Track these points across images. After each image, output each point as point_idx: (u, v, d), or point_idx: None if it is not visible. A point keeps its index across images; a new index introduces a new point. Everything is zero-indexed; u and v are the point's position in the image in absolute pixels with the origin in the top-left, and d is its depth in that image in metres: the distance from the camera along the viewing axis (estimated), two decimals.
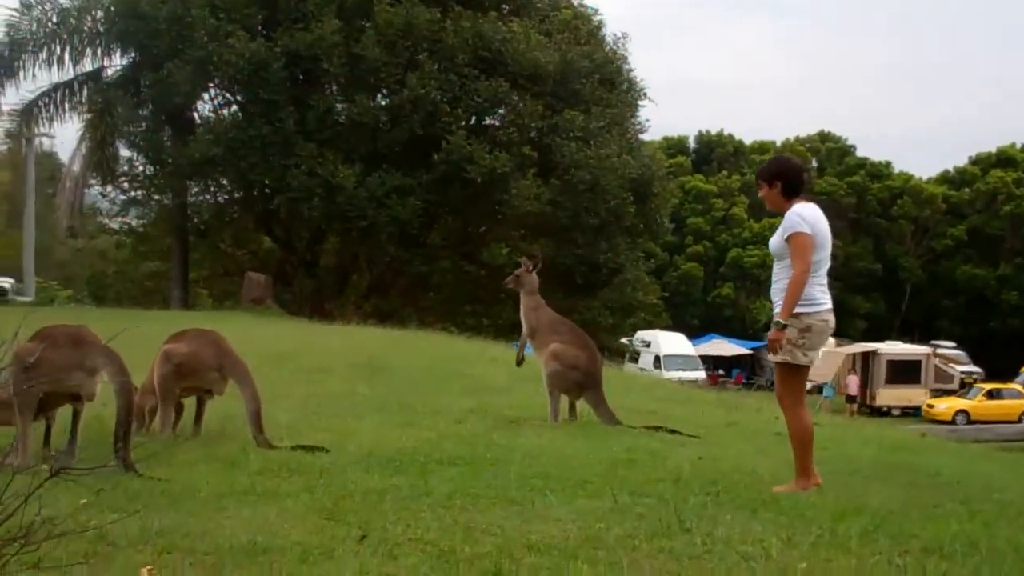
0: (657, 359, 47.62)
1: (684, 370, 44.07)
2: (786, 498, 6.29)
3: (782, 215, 6.96)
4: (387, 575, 4.54)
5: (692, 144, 75.95)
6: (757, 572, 4.76)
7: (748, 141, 75.07)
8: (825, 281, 7.01)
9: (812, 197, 7.48)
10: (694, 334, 57.11)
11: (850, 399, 41.40)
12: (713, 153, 74.44)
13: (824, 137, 75.56)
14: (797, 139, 75.10)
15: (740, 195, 69.88)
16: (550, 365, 9.41)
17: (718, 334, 60.37)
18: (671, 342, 50.37)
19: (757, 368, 56.90)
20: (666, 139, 71.71)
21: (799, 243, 6.78)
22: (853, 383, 42.13)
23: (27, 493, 2.90)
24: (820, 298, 6.88)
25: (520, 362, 10.38)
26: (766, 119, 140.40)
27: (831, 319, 6.95)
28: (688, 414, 10.02)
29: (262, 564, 4.59)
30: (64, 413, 6.99)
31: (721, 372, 55.07)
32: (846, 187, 70.29)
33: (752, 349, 57.76)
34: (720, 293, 66.38)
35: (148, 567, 4.42)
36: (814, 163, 73.22)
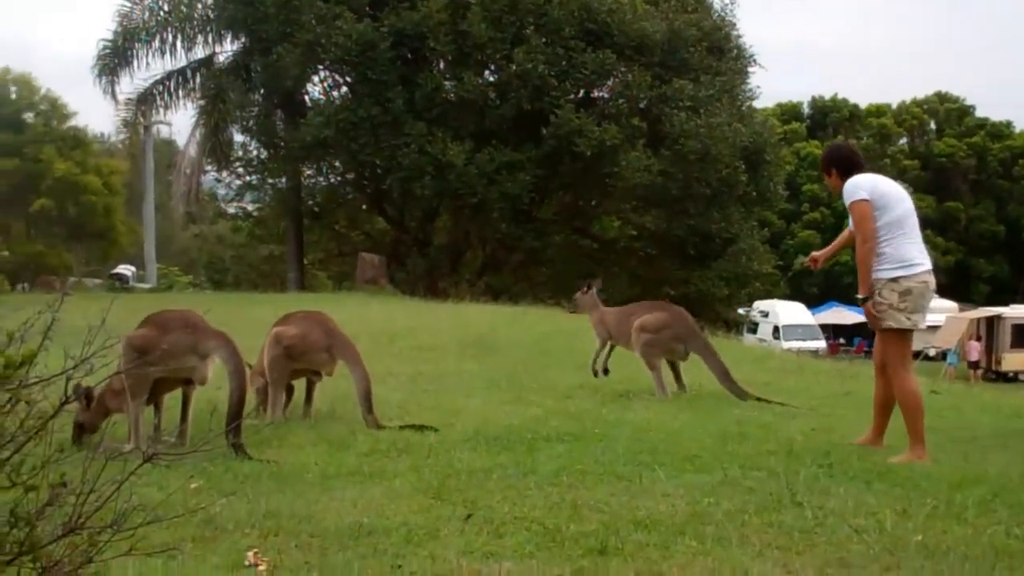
0: (776, 329, 46.98)
1: (804, 340, 43.41)
2: (901, 469, 6.12)
3: None
4: (492, 554, 4.52)
5: (806, 110, 74.52)
6: (870, 545, 4.63)
7: (863, 105, 73.39)
8: (919, 239, 6.94)
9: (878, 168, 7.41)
10: (813, 303, 56.17)
11: (972, 364, 40.32)
12: (828, 118, 72.92)
13: (942, 98, 73.54)
14: (914, 101, 73.24)
15: None
16: (641, 338, 9.34)
17: (838, 302, 59.22)
18: (790, 312, 49.59)
19: None
20: (779, 105, 70.52)
21: (858, 212, 6.83)
22: (975, 349, 41.01)
23: (120, 479, 2.91)
24: (917, 258, 6.84)
25: (600, 372, 10.21)
26: (881, 82, 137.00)
27: (931, 280, 6.87)
28: (802, 385, 9.83)
29: (367, 545, 4.60)
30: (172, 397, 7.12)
31: (842, 341, 54.04)
32: (966, 148, 68.42)
33: None
34: (839, 260, 65.15)
35: (254, 550, 4.46)
36: (932, 125, 71.36)
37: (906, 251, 6.82)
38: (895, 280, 6.75)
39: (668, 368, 9.52)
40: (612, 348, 10.09)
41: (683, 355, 9.56)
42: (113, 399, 6.68)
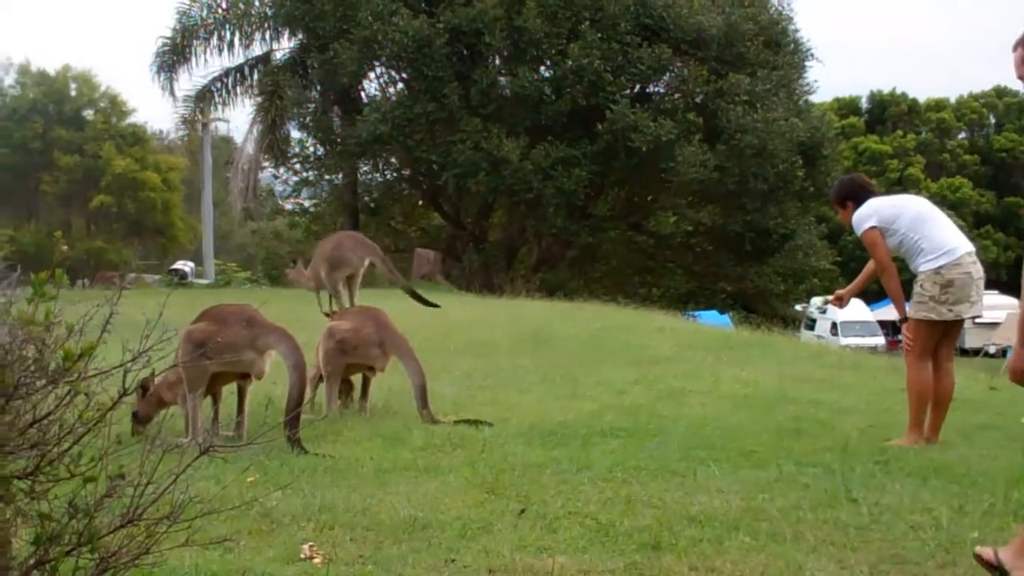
0: (834, 325, 46.51)
1: (862, 336, 42.95)
2: (957, 464, 6.07)
3: None
4: (545, 548, 4.52)
5: (864, 104, 73.75)
6: (925, 542, 4.59)
7: (922, 99, 72.52)
8: (951, 224, 7.06)
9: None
10: (872, 299, 55.52)
11: None
12: (886, 112, 72.11)
13: (1000, 92, 72.34)
14: (971, 96, 72.23)
15: (916, 155, 67.54)
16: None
17: None
18: (848, 308, 49.02)
19: None
20: (837, 100, 69.85)
21: (869, 240, 7.04)
22: None
23: (177, 471, 2.94)
24: (952, 241, 6.90)
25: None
26: (940, 76, 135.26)
27: (974, 269, 6.88)
28: (858, 380, 9.74)
29: (421, 539, 4.62)
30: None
31: (900, 337, 53.50)
32: None
33: None
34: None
35: (310, 543, 4.50)
36: (992, 119, 70.33)
37: (942, 239, 6.89)
38: (937, 272, 6.81)
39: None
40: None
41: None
42: (168, 391, 6.76)
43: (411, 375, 7.77)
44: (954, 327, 7.03)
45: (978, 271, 6.91)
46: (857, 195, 7.27)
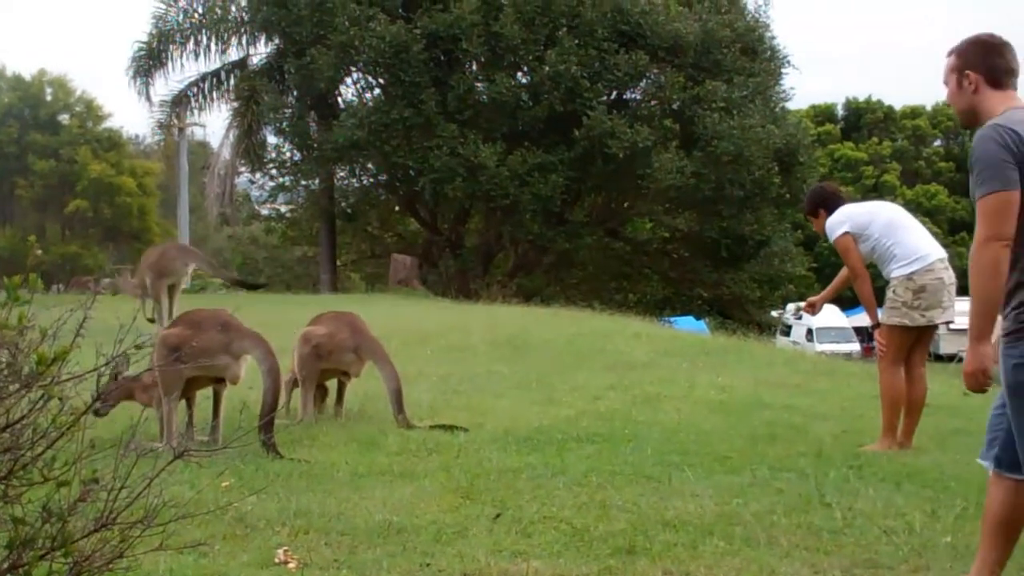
0: (810, 332, 46.66)
1: (838, 342, 43.06)
2: (931, 469, 6.12)
3: None
4: (520, 553, 4.54)
5: (840, 111, 73.99)
6: (899, 546, 4.63)
7: (898, 106, 72.83)
8: (923, 231, 7.23)
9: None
10: (847, 305, 55.76)
11: None
12: (862, 120, 72.37)
13: None
14: (947, 103, 72.51)
15: (892, 162, 67.83)
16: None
17: None
18: (824, 314, 49.03)
19: None
20: (813, 107, 70.05)
21: (842, 247, 7.08)
22: None
23: (151, 476, 2.95)
24: (925, 248, 7.00)
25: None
26: (916, 83, 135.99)
27: (946, 275, 6.99)
28: (832, 387, 9.79)
29: (396, 543, 4.64)
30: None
31: (875, 344, 53.66)
32: None
33: None
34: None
35: (284, 548, 4.50)
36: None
37: (914, 245, 6.98)
38: (909, 278, 6.89)
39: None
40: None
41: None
42: (142, 393, 6.72)
43: (386, 380, 7.77)
44: (927, 333, 7.09)
45: (950, 277, 6.99)
46: (828, 203, 7.36)
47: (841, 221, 7.14)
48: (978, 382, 3.83)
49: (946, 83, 4.19)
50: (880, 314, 7.17)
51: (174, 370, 6.50)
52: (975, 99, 4.02)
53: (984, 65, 4.01)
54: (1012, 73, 4.03)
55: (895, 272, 6.96)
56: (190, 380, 6.83)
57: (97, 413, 6.78)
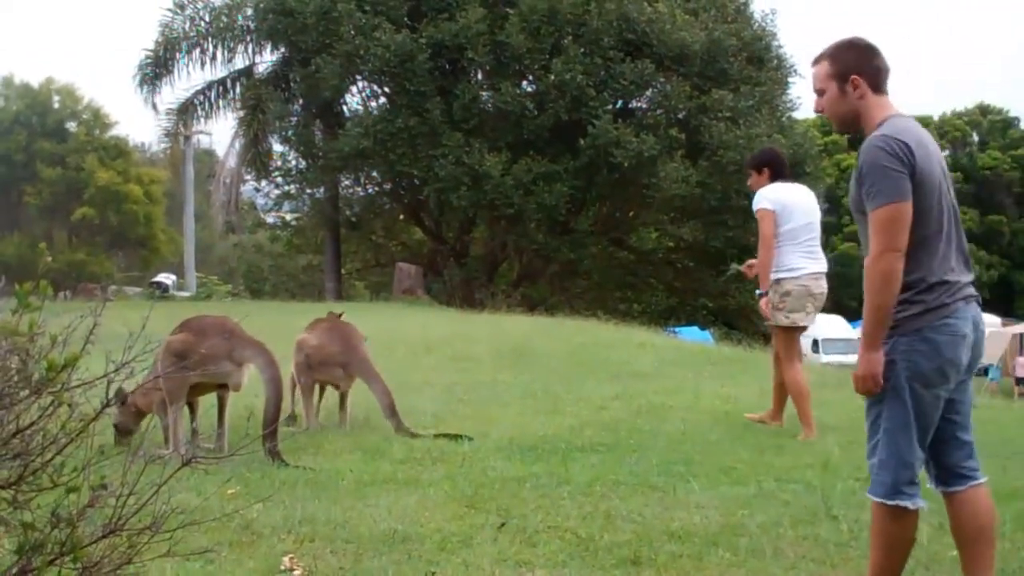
0: (815, 343, 46.61)
1: (844, 353, 42.99)
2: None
3: None
4: (525, 562, 4.55)
5: None
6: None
7: None
8: (811, 248, 7.84)
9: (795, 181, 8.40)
10: (853, 316, 55.68)
11: (1019, 381, 39.73)
12: None
13: (984, 110, 72.66)
14: (955, 113, 72.53)
15: None
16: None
17: None
18: (829, 325, 49.04)
19: None
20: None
21: (760, 215, 7.75)
22: (1021, 364, 40.44)
23: (159, 482, 2.96)
24: (799, 264, 7.73)
25: None
26: (923, 93, 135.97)
27: (813, 284, 7.77)
28: (839, 398, 9.76)
29: (401, 552, 4.65)
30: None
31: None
32: (1010, 161, 67.59)
33: None
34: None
35: (290, 555, 4.51)
36: (975, 137, 70.63)
37: (791, 258, 7.72)
38: (777, 282, 7.70)
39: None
40: None
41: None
42: (143, 398, 6.73)
43: (379, 397, 7.77)
44: (798, 331, 7.90)
45: (818, 287, 7.81)
46: (775, 168, 8.06)
47: (768, 197, 7.81)
48: (867, 386, 3.92)
49: (818, 91, 4.17)
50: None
51: (178, 376, 6.52)
52: (860, 104, 4.03)
53: (868, 68, 4.05)
54: (888, 75, 4.08)
55: (781, 274, 7.73)
56: (193, 387, 6.85)
57: (129, 433, 6.83)
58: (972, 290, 4.01)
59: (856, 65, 4.04)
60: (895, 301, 3.81)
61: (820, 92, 4.15)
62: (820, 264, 7.88)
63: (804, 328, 7.91)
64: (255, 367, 6.81)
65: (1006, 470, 6.60)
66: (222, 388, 6.94)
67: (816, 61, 4.17)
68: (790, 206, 7.79)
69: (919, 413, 3.87)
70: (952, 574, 4.46)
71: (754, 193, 8.04)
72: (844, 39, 4.19)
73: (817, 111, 4.25)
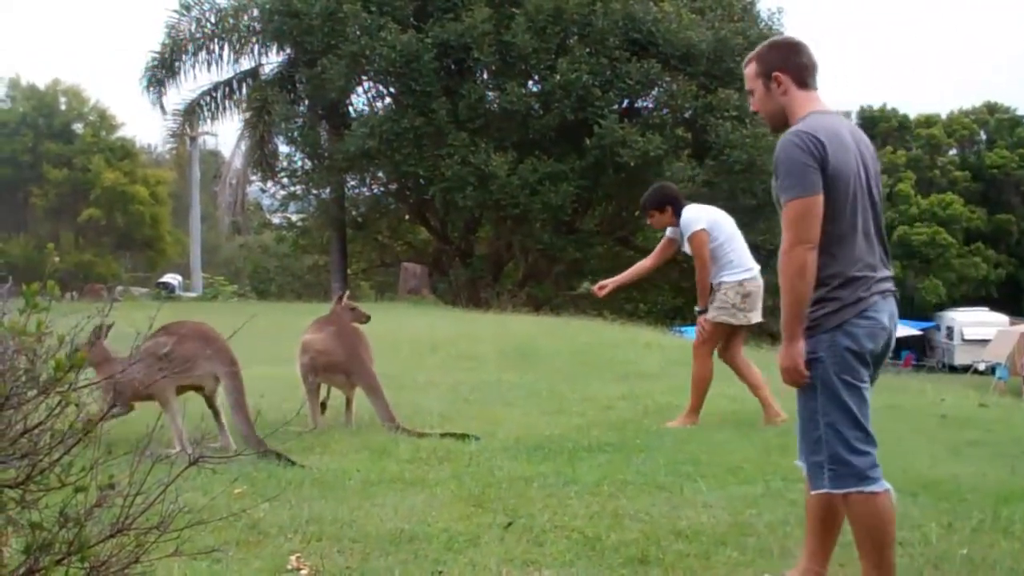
0: None
1: None
2: (947, 481, 6.08)
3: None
4: (532, 562, 4.54)
5: (854, 119, 73.73)
6: (915, 558, 4.61)
7: (913, 115, 72.56)
8: (746, 246, 8.35)
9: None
10: None
11: None
12: (876, 128, 72.10)
13: (991, 108, 72.43)
14: (962, 112, 72.37)
15: (906, 171, 67.55)
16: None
17: None
18: None
19: (927, 349, 55.19)
20: None
21: (698, 241, 8.09)
22: None
23: (166, 482, 2.96)
24: (751, 263, 8.23)
25: None
26: (931, 92, 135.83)
27: (761, 284, 8.25)
28: None
29: (408, 551, 4.64)
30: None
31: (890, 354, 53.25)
32: (1018, 159, 67.39)
33: (922, 330, 55.96)
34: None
35: (297, 555, 4.51)
36: (983, 135, 70.47)
37: (746, 257, 8.22)
38: (740, 284, 8.09)
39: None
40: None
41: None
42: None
43: (378, 411, 7.76)
44: (744, 329, 8.35)
45: (762, 286, 8.23)
46: (676, 202, 8.30)
47: (700, 218, 8.16)
48: (792, 377, 4.01)
49: (751, 92, 4.31)
50: (709, 308, 8.21)
51: (164, 379, 6.54)
52: (784, 100, 4.16)
53: (790, 66, 4.15)
54: (814, 71, 4.19)
55: (727, 277, 8.12)
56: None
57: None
58: (890, 284, 4.08)
59: (778, 63, 4.16)
60: (810, 292, 3.89)
61: (751, 92, 4.30)
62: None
63: (752, 326, 8.37)
64: (222, 386, 6.88)
65: (1015, 470, 6.60)
66: (199, 390, 7.01)
67: (746, 63, 4.31)
68: (718, 220, 8.25)
69: (856, 402, 3.94)
70: (962, 572, 4.45)
71: (659, 228, 8.55)
72: (770, 39, 4.35)
73: (753, 110, 4.39)
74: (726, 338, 8.31)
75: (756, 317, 8.25)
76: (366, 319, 8.56)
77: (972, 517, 5.25)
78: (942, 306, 58.46)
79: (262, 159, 33.60)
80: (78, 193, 55.15)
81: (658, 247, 8.69)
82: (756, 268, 8.25)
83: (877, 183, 4.11)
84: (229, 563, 4.37)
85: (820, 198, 3.84)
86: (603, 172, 29.63)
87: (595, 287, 8.86)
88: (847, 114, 61.20)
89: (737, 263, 8.15)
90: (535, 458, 6.66)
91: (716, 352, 8.39)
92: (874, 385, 4.10)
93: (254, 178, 35.69)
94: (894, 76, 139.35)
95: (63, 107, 58.19)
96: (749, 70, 4.25)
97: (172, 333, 6.84)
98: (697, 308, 8.29)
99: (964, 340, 50.82)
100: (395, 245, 38.42)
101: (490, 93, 30.58)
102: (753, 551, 4.71)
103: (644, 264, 8.90)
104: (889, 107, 73.16)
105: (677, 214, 8.24)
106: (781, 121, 4.18)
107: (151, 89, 33.45)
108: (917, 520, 5.19)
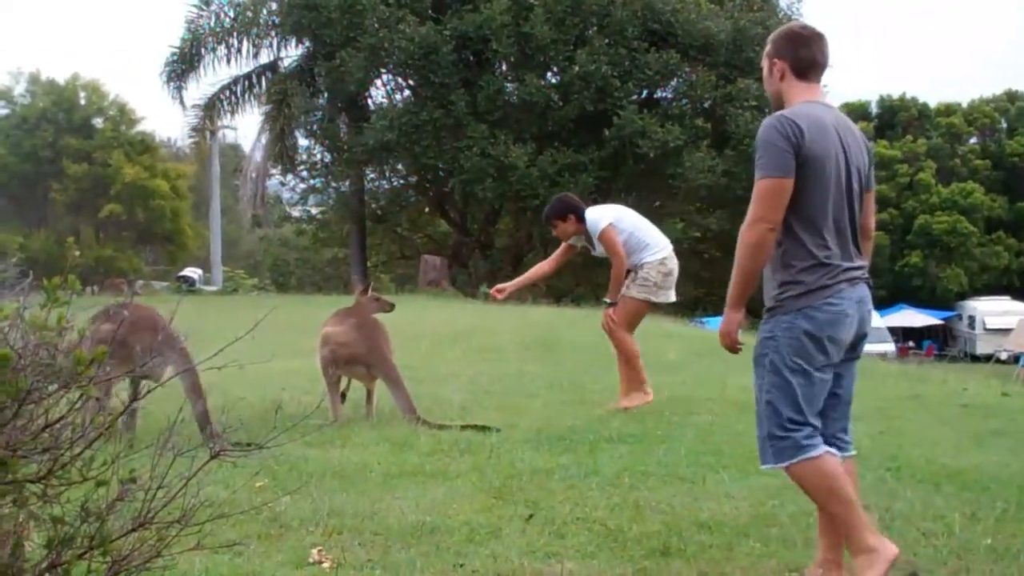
0: None
1: (872, 343, 42.77)
2: (970, 471, 6.06)
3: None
4: (553, 554, 4.53)
5: (874, 109, 73.27)
6: (938, 549, 4.58)
7: (933, 104, 72.08)
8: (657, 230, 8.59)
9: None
10: (882, 305, 55.21)
11: None
12: (896, 117, 71.63)
13: (1012, 97, 71.76)
14: (983, 100, 71.81)
15: (927, 160, 67.11)
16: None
17: (907, 304, 58.17)
18: None
19: (949, 339, 54.93)
20: (847, 105, 69.32)
21: (608, 237, 8.20)
22: None
23: (188, 475, 2.96)
24: (666, 242, 8.46)
25: None
26: (951, 80, 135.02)
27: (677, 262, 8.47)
28: (868, 387, 9.67)
29: (429, 543, 4.64)
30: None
31: (911, 344, 53.15)
32: None
33: (943, 319, 55.70)
34: (908, 262, 63.63)
35: (318, 548, 4.51)
36: (1004, 124, 69.97)
37: (660, 238, 8.42)
38: (662, 262, 8.27)
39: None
40: None
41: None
42: None
43: (399, 403, 7.74)
44: (654, 308, 8.68)
45: (678, 265, 8.44)
46: (578, 209, 8.45)
47: (604, 216, 8.36)
48: (725, 342, 4.22)
49: (760, 69, 4.47)
50: (627, 290, 8.30)
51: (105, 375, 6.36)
52: (781, 86, 4.24)
53: (790, 55, 4.23)
54: (816, 65, 4.25)
55: (648, 258, 8.25)
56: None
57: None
58: (859, 272, 4.16)
59: (780, 51, 4.25)
60: (759, 269, 4.07)
61: (761, 70, 4.42)
62: None
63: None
64: (175, 372, 6.70)
65: None
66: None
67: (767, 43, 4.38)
68: (620, 214, 8.49)
69: (803, 385, 3.99)
70: (986, 562, 4.42)
71: (564, 238, 8.62)
72: (788, 25, 4.45)
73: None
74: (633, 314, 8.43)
75: (672, 296, 8.44)
76: (391, 308, 8.57)
77: (996, 507, 5.22)
78: (963, 295, 58.07)
79: (282, 152, 33.68)
80: (98, 188, 55.28)
81: (557, 252, 8.87)
82: (671, 247, 8.46)
83: (861, 176, 4.19)
84: (251, 556, 4.37)
85: (790, 182, 3.95)
86: (623, 163, 29.62)
87: (492, 290, 8.87)
88: (865, 104, 61.03)
89: (654, 245, 8.33)
90: (556, 449, 6.64)
91: (606, 322, 8.48)
92: (850, 371, 4.23)
93: (274, 172, 35.79)
94: (914, 65, 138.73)
95: (83, 102, 58.31)
96: (766, 49, 4.34)
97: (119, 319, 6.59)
98: (606, 300, 8.48)
99: (986, 329, 50.58)
100: (415, 237, 38.47)
101: (509, 85, 30.61)
102: (776, 542, 4.70)
103: (543, 268, 9.09)
104: (909, 96, 72.64)
105: (581, 220, 8.38)
106: (778, 105, 4.25)
107: (171, 84, 33.62)
108: (941, 510, 5.16)
